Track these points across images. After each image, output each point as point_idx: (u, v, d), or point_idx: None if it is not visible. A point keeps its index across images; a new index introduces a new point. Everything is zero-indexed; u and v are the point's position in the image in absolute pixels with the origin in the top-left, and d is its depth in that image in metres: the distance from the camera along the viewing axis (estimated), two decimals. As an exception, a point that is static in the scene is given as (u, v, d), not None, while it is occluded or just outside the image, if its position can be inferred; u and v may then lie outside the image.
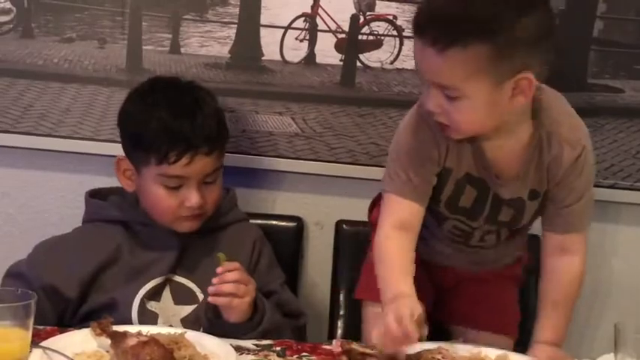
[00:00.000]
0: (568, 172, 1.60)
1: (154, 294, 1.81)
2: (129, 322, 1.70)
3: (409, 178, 1.62)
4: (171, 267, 1.82)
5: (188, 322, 1.79)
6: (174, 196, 1.78)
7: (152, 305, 1.80)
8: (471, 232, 1.74)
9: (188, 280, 1.83)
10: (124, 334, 1.49)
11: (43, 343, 1.49)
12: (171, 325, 1.74)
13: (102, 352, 1.53)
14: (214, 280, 1.65)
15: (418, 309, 1.46)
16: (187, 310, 1.81)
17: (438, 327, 1.77)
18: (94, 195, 1.92)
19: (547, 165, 1.61)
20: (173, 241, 1.83)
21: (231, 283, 1.65)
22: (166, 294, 1.82)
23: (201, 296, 1.81)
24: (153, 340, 1.46)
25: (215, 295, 1.65)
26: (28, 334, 1.45)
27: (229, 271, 1.66)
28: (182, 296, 1.82)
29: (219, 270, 1.66)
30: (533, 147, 1.60)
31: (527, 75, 1.47)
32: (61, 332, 1.58)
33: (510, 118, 1.55)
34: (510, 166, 1.62)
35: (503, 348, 1.63)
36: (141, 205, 1.86)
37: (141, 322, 1.73)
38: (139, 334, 1.50)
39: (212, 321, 1.72)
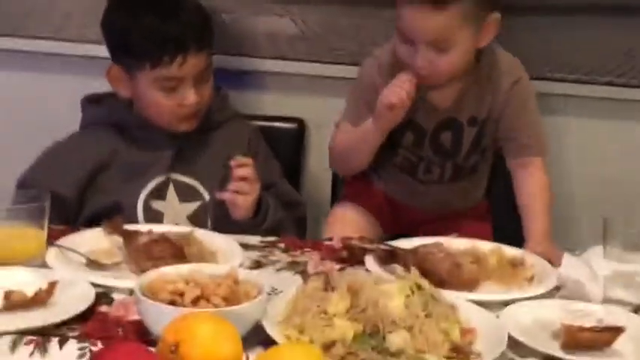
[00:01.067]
0: (509, 96, 1.83)
1: (158, 194, 1.86)
2: (135, 222, 1.75)
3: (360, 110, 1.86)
4: (169, 166, 1.86)
5: (193, 219, 1.86)
6: (172, 97, 1.81)
7: (157, 204, 1.85)
8: (417, 162, 1.91)
9: (190, 178, 1.88)
10: (136, 233, 1.54)
11: (58, 242, 1.54)
12: (177, 224, 1.79)
13: (115, 250, 1.57)
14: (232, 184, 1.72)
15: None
16: (192, 207, 1.87)
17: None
18: (91, 100, 1.94)
19: (487, 93, 1.82)
20: (169, 141, 1.86)
21: (238, 182, 1.72)
22: (171, 193, 1.87)
23: (204, 193, 1.87)
24: (163, 238, 1.51)
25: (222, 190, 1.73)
26: (44, 233, 1.50)
27: (241, 166, 1.72)
28: (186, 194, 1.87)
29: (232, 163, 1.72)
30: (472, 79, 1.82)
31: (497, 15, 1.74)
32: (74, 232, 1.63)
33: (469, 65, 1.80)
34: (446, 94, 1.83)
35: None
36: (135, 109, 1.88)
37: (147, 221, 1.79)
38: (150, 232, 1.55)
39: (219, 218, 1.79)
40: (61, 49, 2.13)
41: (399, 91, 1.71)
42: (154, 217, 1.84)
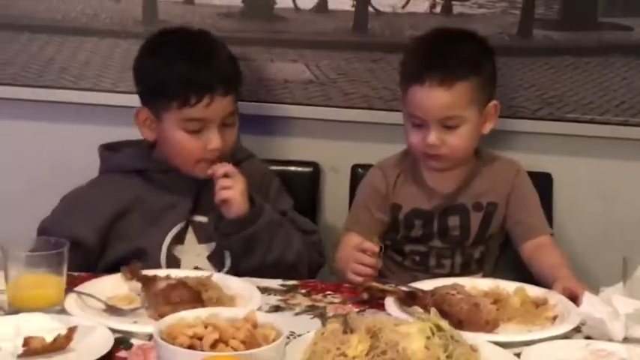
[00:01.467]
0: (513, 184, 1.92)
1: (177, 239, 1.87)
2: (158, 267, 1.75)
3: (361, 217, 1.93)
4: (190, 209, 1.87)
5: (213, 259, 1.87)
6: (196, 139, 1.82)
7: (177, 249, 1.86)
8: (427, 252, 1.93)
9: (209, 219, 1.88)
10: (154, 278, 1.55)
11: (77, 288, 1.55)
12: (196, 266, 1.81)
13: (133, 295, 1.58)
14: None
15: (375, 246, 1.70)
16: (212, 247, 1.88)
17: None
18: (108, 147, 1.95)
19: (490, 181, 1.91)
20: (189, 185, 1.87)
21: (220, 179, 1.76)
22: (190, 236, 1.88)
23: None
24: (181, 283, 1.52)
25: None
26: (63, 280, 1.51)
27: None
28: (205, 235, 1.88)
29: (209, 171, 1.78)
30: (474, 166, 1.92)
31: (496, 102, 1.88)
32: (92, 278, 1.64)
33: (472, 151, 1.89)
34: (447, 179, 1.91)
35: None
36: (156, 153, 1.90)
37: (169, 266, 1.79)
38: (168, 277, 1.55)
39: (220, 228, 1.81)
40: (78, 98, 2.16)
41: (360, 269, 1.69)
42: (174, 262, 1.85)
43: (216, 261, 1.86)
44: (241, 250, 1.82)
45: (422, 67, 1.81)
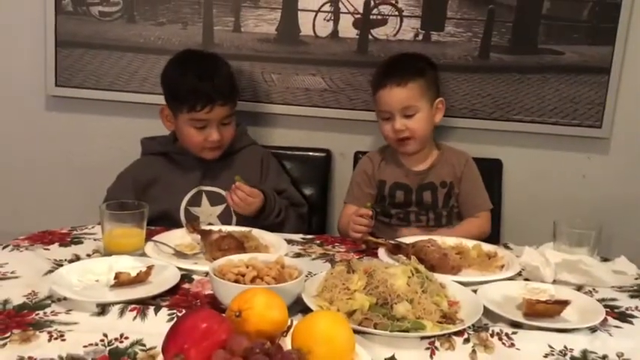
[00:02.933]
0: (465, 170, 1.92)
1: (194, 201, 1.88)
2: (180, 225, 1.73)
3: (355, 192, 1.95)
4: (199, 180, 1.89)
5: (222, 217, 1.88)
6: (201, 133, 1.84)
7: (195, 210, 1.87)
8: (408, 212, 1.93)
9: (217, 188, 1.89)
10: (210, 231, 1.55)
11: (154, 238, 1.56)
12: (210, 223, 1.80)
13: (194, 244, 1.59)
14: (230, 196, 1.75)
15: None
16: (220, 208, 1.89)
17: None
18: (147, 138, 1.98)
19: (448, 166, 1.92)
20: (198, 163, 1.89)
21: (237, 199, 1.74)
22: (204, 200, 1.89)
23: (227, 198, 1.86)
24: (230, 235, 1.52)
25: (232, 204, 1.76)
26: (143, 232, 1.52)
27: (239, 189, 1.74)
28: (215, 199, 1.89)
29: (233, 187, 1.75)
30: (437, 154, 1.94)
31: (441, 99, 1.92)
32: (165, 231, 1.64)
33: (430, 136, 1.91)
34: (419, 161, 1.92)
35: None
36: (178, 142, 1.92)
37: (187, 222, 1.76)
38: (220, 231, 1.55)
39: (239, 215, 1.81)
40: (155, 100, 2.16)
41: (359, 228, 1.70)
42: (192, 219, 1.85)
43: (224, 219, 1.87)
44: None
45: (384, 76, 1.88)
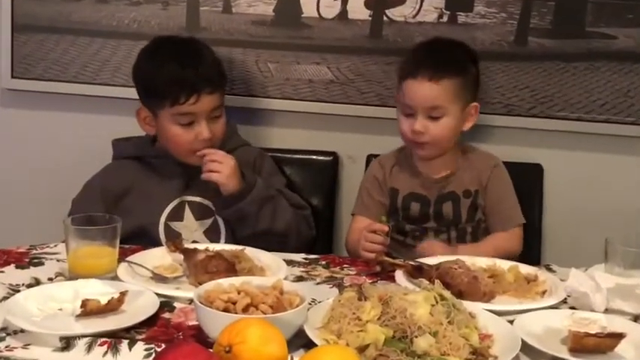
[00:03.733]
0: (492, 176, 1.92)
1: (175, 215, 1.88)
2: (158, 243, 1.75)
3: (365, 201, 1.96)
4: (181, 189, 1.89)
5: (209, 234, 1.88)
6: (188, 131, 1.84)
7: (176, 225, 1.87)
8: (425, 229, 1.93)
9: (202, 199, 1.89)
10: (195, 250, 1.55)
11: (128, 258, 1.55)
12: (194, 241, 1.80)
13: (176, 265, 1.59)
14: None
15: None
16: (207, 223, 1.89)
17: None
18: (120, 139, 1.99)
19: (473, 172, 1.92)
20: (180, 169, 1.89)
21: (210, 162, 1.79)
22: (187, 213, 1.89)
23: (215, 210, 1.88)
24: (218, 255, 1.52)
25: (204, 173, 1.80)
26: (116, 251, 1.51)
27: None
28: (200, 213, 1.89)
29: (199, 153, 1.80)
30: (460, 158, 1.94)
31: (476, 104, 1.90)
32: (142, 250, 1.64)
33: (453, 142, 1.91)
34: (437, 167, 1.93)
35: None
36: (158, 145, 1.92)
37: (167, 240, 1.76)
38: (207, 250, 1.55)
39: (219, 204, 1.84)
40: (130, 94, 2.17)
41: (371, 247, 1.71)
42: (174, 235, 1.85)
43: (212, 235, 1.87)
44: (234, 221, 1.85)
45: (416, 65, 1.86)
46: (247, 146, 2.03)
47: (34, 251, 1.64)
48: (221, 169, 1.80)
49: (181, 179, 1.90)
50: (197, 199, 1.90)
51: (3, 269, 1.53)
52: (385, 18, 2.12)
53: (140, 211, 1.86)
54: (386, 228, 1.72)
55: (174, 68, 1.83)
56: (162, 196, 1.89)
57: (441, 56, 1.88)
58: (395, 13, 2.12)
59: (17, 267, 1.55)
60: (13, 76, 2.22)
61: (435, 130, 1.85)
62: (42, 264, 1.57)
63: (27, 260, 1.59)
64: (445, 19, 2.11)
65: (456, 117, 1.87)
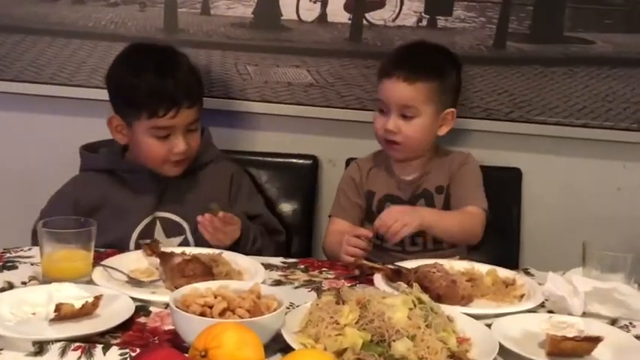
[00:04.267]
0: (459, 170, 1.93)
1: (146, 233, 1.84)
2: None
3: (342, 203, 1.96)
4: (154, 205, 1.85)
5: None
6: (164, 144, 1.81)
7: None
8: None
9: (174, 215, 1.86)
10: (171, 254, 1.54)
11: (103, 262, 1.55)
12: None
13: (152, 269, 1.58)
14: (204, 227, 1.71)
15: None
16: (177, 241, 1.86)
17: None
18: (87, 148, 1.94)
19: (444, 168, 1.94)
20: (154, 183, 1.86)
21: (212, 230, 1.70)
22: (158, 230, 1.86)
23: (187, 227, 1.85)
24: (195, 258, 1.51)
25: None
26: (90, 255, 1.50)
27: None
28: (171, 229, 1.86)
29: (206, 217, 1.70)
30: (432, 159, 1.95)
31: (453, 110, 1.91)
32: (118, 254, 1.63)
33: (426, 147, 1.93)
34: (411, 169, 1.94)
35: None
36: (128, 154, 1.88)
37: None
38: (183, 253, 1.54)
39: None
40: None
41: (353, 251, 1.71)
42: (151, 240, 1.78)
43: None
44: None
45: (394, 65, 1.88)
46: (222, 159, 1.99)
47: (8, 254, 1.62)
48: (220, 242, 1.72)
49: (154, 194, 1.86)
50: (169, 215, 1.86)
51: (-25, 273, 1.52)
52: (365, 21, 2.13)
53: (112, 228, 1.81)
54: (370, 234, 1.73)
55: (151, 79, 1.78)
56: (134, 212, 1.85)
57: (419, 59, 1.90)
58: (374, 16, 2.12)
59: (-10, 271, 1.53)
60: (-12, 77, 2.19)
61: (407, 130, 1.87)
62: (15, 267, 1.56)
63: (0, 264, 1.57)
64: (424, 22, 2.11)
65: (430, 119, 1.88)
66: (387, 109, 1.88)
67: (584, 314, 1.43)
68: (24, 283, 1.47)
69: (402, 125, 1.86)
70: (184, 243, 1.85)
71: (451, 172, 1.94)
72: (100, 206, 1.85)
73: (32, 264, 1.57)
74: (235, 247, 1.75)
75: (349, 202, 1.97)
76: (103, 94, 2.06)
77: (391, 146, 1.90)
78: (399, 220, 1.71)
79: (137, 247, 1.81)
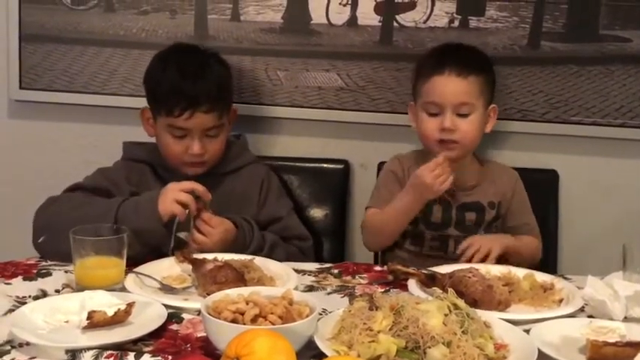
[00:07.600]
0: (516, 189, 1.95)
1: (183, 226, 1.79)
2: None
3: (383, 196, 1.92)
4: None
5: None
6: (180, 143, 1.83)
7: (184, 235, 1.80)
8: (446, 238, 1.92)
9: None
10: (203, 260, 1.54)
11: (136, 269, 1.55)
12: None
13: (185, 275, 1.58)
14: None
15: None
16: None
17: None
18: (132, 143, 1.97)
19: (496, 184, 1.94)
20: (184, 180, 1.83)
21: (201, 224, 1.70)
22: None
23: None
24: (227, 265, 1.51)
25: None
26: (123, 262, 1.51)
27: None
28: None
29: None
30: (481, 169, 1.96)
31: (495, 106, 1.93)
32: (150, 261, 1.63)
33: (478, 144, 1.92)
34: (465, 180, 1.92)
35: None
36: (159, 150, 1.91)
37: (175, 248, 1.72)
38: (215, 260, 1.54)
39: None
40: (139, 104, 2.16)
41: (443, 177, 1.77)
42: (181, 245, 1.77)
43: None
44: None
45: (442, 61, 1.86)
46: (255, 164, 1.99)
47: (43, 263, 1.64)
48: (209, 235, 1.70)
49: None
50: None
51: (10, 281, 1.53)
52: (395, 23, 2.11)
53: None
54: (440, 160, 1.77)
55: (174, 78, 1.82)
56: None
57: (464, 54, 1.90)
58: (405, 18, 2.11)
59: (25, 279, 1.55)
60: (21, 87, 2.22)
61: (465, 127, 1.84)
62: (49, 275, 1.57)
63: (35, 272, 1.58)
64: (456, 23, 2.10)
65: (482, 115, 1.87)
66: (441, 108, 1.84)
67: (626, 319, 1.40)
68: (57, 291, 1.48)
69: (459, 123, 1.84)
70: None
71: (505, 192, 1.94)
72: (139, 193, 1.84)
73: (66, 271, 1.58)
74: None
75: (390, 194, 1.90)
76: (135, 102, 2.10)
77: (447, 147, 1.85)
78: (483, 245, 1.75)
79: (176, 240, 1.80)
